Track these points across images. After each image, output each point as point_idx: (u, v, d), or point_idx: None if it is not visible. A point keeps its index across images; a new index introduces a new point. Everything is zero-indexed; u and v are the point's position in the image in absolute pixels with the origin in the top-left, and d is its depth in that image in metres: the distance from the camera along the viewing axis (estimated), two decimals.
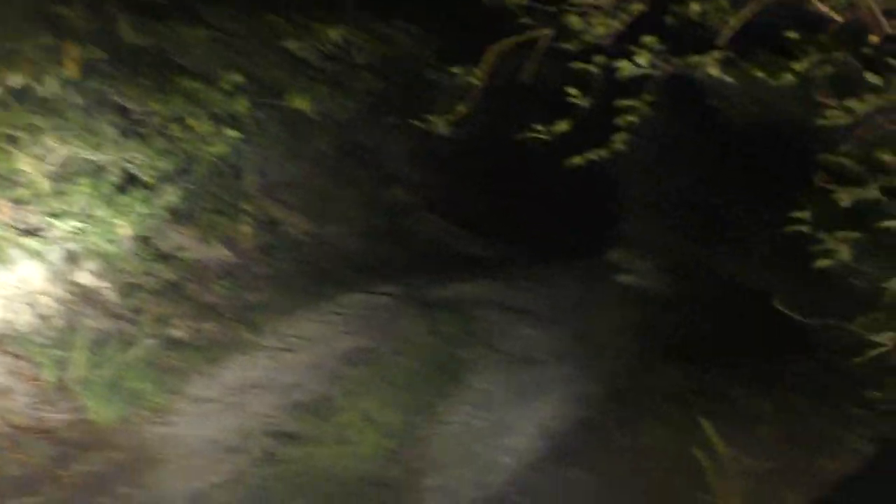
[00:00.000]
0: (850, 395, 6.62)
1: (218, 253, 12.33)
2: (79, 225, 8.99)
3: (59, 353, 7.86)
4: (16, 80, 6.60)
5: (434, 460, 7.23)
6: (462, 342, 10.03)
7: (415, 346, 9.53)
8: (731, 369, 7.84)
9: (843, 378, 6.85)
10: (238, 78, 9.79)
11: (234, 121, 10.14)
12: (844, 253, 4.90)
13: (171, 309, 10.01)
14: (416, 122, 6.11)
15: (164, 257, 10.54)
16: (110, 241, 9.24)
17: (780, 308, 5.64)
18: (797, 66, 4.65)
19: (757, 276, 8.51)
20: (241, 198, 12.69)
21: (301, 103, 10.89)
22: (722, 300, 9.44)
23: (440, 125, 6.14)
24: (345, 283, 13.15)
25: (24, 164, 7.81)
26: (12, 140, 7.67)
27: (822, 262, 5.00)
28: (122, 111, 9.23)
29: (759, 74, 4.96)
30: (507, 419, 7.84)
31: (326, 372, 8.90)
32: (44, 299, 8.82)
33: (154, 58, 8.90)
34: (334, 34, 10.33)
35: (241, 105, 10.09)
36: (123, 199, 9.32)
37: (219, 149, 10.34)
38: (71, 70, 6.48)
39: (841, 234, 4.92)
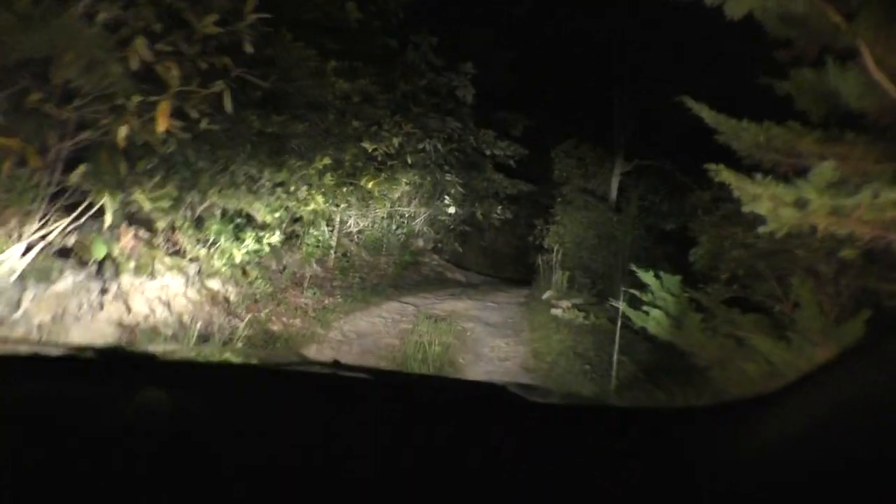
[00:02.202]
0: None
1: (314, 270, 9.78)
2: (206, 252, 6.04)
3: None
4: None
5: None
6: (458, 350, 7.32)
7: (426, 352, 6.73)
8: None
9: None
10: (327, 161, 6.79)
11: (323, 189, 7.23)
12: None
13: (272, 309, 7.10)
14: None
15: (273, 275, 7.70)
16: (229, 264, 6.23)
17: None
18: None
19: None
20: (329, 238, 9.92)
21: (368, 183, 7.93)
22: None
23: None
24: (385, 294, 10.59)
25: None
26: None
27: None
28: (249, 177, 6.29)
29: None
30: None
31: (371, 363, 6.25)
32: (179, 300, 5.93)
33: (272, 139, 5.97)
34: (396, 140, 7.32)
35: (328, 180, 7.10)
36: (242, 235, 6.37)
37: (312, 207, 7.36)
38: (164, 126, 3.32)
39: None
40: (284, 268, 8.51)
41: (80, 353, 1.53)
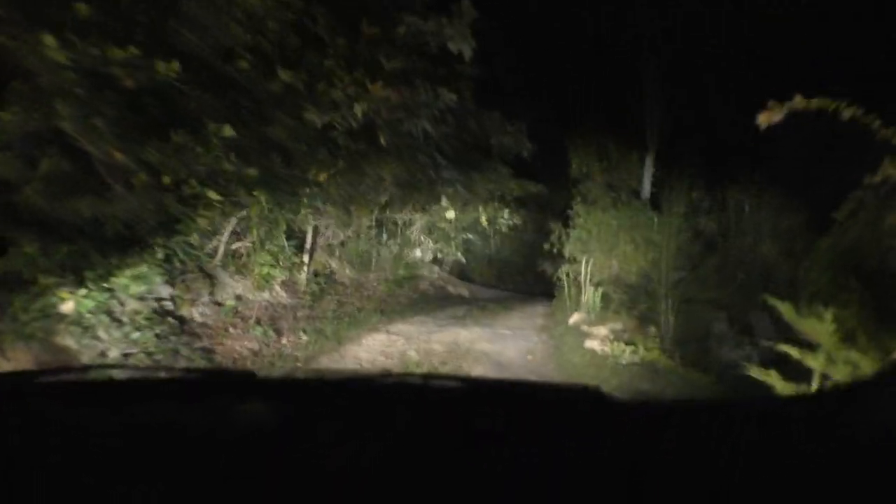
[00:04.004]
0: None
1: (275, 297, 7.08)
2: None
3: None
4: None
5: None
6: None
7: None
8: None
9: None
10: (228, 132, 3.84)
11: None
12: None
13: (185, 366, 4.30)
14: None
15: (205, 310, 4.88)
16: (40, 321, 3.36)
17: None
18: None
19: None
20: (293, 255, 7.07)
21: (318, 176, 4.96)
22: None
23: None
24: (368, 323, 7.78)
25: None
26: None
27: None
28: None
29: None
30: None
31: None
32: None
33: (119, 93, 3.08)
34: (359, 109, 4.36)
35: (226, 166, 4.14)
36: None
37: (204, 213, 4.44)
38: None
39: None
40: (217, 302, 5.65)
41: (187, 375, 1.62)
